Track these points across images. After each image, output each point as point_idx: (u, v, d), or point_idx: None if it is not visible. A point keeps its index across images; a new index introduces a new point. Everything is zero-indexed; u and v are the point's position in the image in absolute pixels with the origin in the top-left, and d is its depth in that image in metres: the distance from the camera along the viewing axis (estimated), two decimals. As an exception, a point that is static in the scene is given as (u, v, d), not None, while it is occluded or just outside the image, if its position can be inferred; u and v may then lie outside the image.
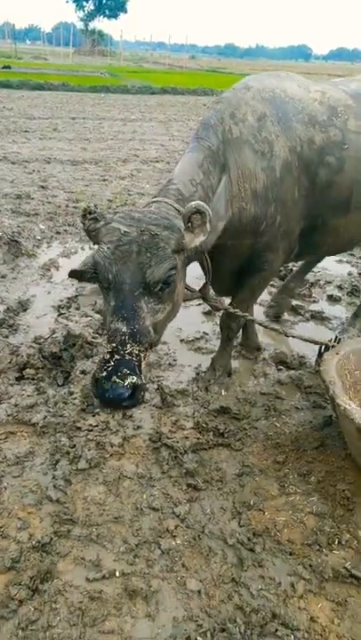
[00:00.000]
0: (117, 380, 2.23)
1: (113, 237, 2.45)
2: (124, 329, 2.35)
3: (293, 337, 3.70)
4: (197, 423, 3.40)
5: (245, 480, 2.98)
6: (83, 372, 3.80)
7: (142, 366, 2.35)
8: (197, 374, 4.01)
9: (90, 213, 2.56)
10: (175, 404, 3.65)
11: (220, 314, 3.98)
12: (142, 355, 2.37)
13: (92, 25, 74.99)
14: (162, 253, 2.43)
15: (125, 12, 79.49)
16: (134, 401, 2.27)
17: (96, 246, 2.55)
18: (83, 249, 6.39)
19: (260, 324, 3.68)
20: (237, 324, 3.80)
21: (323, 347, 3.64)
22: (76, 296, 5.04)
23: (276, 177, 3.17)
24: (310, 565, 2.48)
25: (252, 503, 2.82)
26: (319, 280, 5.88)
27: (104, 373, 2.26)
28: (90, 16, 75.49)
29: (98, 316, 4.66)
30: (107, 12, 77.13)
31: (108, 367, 2.27)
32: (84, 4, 74.60)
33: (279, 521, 2.72)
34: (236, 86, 3.33)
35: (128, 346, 2.33)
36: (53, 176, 9.30)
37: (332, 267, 6.31)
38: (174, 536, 2.59)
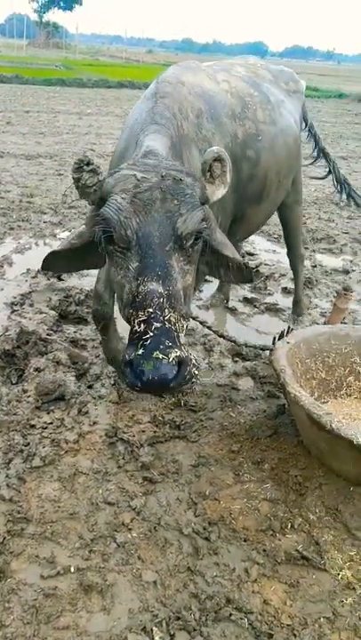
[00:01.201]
0: (160, 356, 1.81)
1: (128, 185, 2.07)
2: (161, 290, 1.95)
3: (226, 339, 3.79)
4: (154, 417, 3.41)
5: (201, 470, 3.01)
6: (37, 370, 3.74)
7: (182, 340, 1.97)
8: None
9: (87, 164, 2.15)
10: (132, 398, 3.65)
11: None
12: (179, 326, 1.96)
13: (46, 17, 73.42)
14: (191, 200, 2.09)
15: (80, 4, 78.23)
16: (181, 380, 1.87)
17: (89, 208, 2.21)
18: (37, 244, 6.28)
19: (201, 323, 3.73)
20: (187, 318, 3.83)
21: (277, 337, 3.72)
22: (30, 292, 4.95)
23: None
24: (264, 550, 2.53)
25: (207, 493, 2.85)
26: (274, 273, 5.98)
27: (140, 350, 1.82)
28: (44, 8, 73.88)
29: (52, 312, 4.59)
30: (61, 3, 75.67)
31: (145, 341, 1.84)
32: (38, -6, 73.01)
33: (234, 509, 2.77)
34: (168, 79, 2.97)
35: (167, 311, 1.92)
36: (6, 170, 9.08)
37: (287, 260, 6.38)
38: (130, 529, 2.60)
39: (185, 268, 2.13)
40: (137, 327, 1.90)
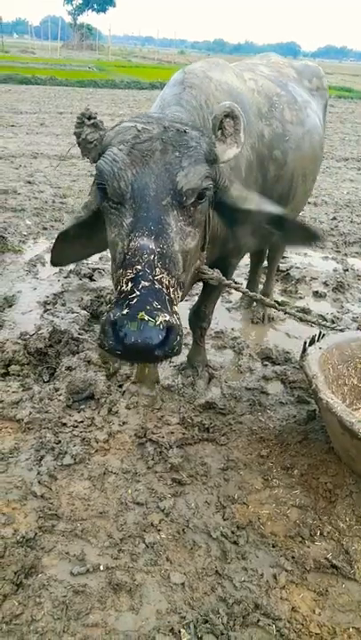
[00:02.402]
0: (146, 317, 1.64)
1: (127, 136, 1.94)
2: (152, 245, 1.78)
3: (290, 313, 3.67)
4: (183, 419, 3.42)
5: (230, 474, 3.00)
6: (68, 369, 3.80)
7: (175, 308, 1.79)
8: (182, 370, 4.02)
9: (89, 118, 2.02)
10: (162, 399, 3.67)
11: (188, 315, 3.87)
12: (172, 292, 1.79)
13: (80, 19, 74.50)
14: (194, 153, 1.93)
15: (114, 6, 79.07)
16: (169, 348, 1.68)
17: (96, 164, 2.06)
18: (69, 245, 6.36)
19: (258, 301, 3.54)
20: (208, 322, 3.83)
21: (307, 342, 3.68)
22: (62, 292, 5.03)
23: (242, 177, 2.90)
24: (293, 557, 2.52)
25: (236, 497, 2.85)
26: (305, 277, 5.92)
27: (125, 310, 1.66)
28: (78, 10, 74.96)
29: (84, 312, 4.66)
30: (95, 5, 76.62)
31: (132, 300, 1.67)
32: (73, -3, 74.10)
33: (263, 514, 2.75)
34: (195, 72, 2.82)
35: (157, 270, 1.76)
36: (40, 171, 9.24)
37: (318, 263, 6.36)
38: (159, 530, 2.61)
39: (185, 229, 1.95)
40: (124, 286, 1.73)
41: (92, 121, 2.02)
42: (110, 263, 2.18)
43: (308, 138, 3.59)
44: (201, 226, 2.07)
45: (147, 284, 1.71)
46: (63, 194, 8.05)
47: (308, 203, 8.60)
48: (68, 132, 13.25)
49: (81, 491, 2.81)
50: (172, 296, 1.79)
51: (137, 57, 57.04)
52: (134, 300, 1.68)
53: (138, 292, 1.69)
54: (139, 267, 1.74)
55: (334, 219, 7.95)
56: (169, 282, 1.78)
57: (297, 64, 4.23)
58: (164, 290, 1.75)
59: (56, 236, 2.25)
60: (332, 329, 3.83)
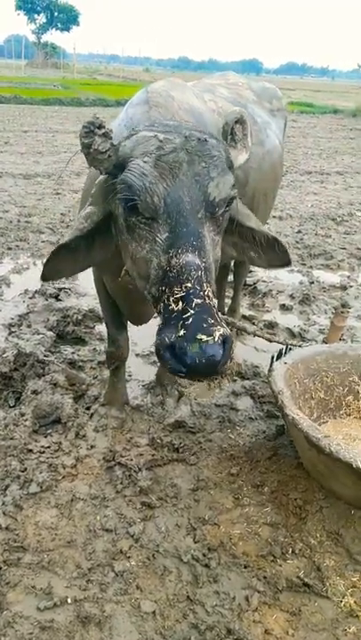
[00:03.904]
0: (205, 338, 1.64)
1: (149, 147, 1.89)
2: (197, 261, 1.77)
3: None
4: (152, 439, 3.38)
5: (200, 495, 2.97)
6: (34, 392, 3.72)
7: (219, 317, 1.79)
8: (151, 389, 3.99)
9: (99, 127, 1.94)
10: (132, 420, 3.63)
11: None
12: (215, 303, 1.79)
13: (44, 37, 74.60)
14: (219, 163, 1.92)
15: (78, 24, 79.50)
16: (227, 359, 1.71)
17: (102, 177, 2.03)
18: (35, 264, 6.29)
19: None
20: None
21: (274, 356, 3.70)
22: (28, 313, 4.94)
23: None
24: (265, 577, 2.49)
25: (207, 518, 2.81)
26: (272, 290, 5.98)
27: (183, 331, 1.65)
28: (42, 29, 75.06)
29: (50, 333, 4.59)
30: (59, 24, 76.89)
31: (186, 320, 1.66)
32: (36, 16, 74.19)
33: (234, 534, 2.73)
34: (158, 91, 2.81)
35: (205, 286, 1.74)
36: (4, 190, 9.14)
37: (284, 276, 6.44)
38: (128, 557, 2.56)
39: (215, 239, 1.96)
40: (173, 305, 1.71)
41: (102, 130, 1.95)
42: (132, 274, 2.17)
43: (269, 158, 3.65)
44: (222, 230, 2.06)
45: (199, 301, 1.70)
46: (28, 213, 7.97)
47: (273, 217, 8.74)
48: (32, 150, 13.20)
49: (48, 520, 2.73)
50: (216, 306, 1.79)
51: (102, 75, 57.42)
52: (190, 320, 1.66)
53: (192, 311, 1.68)
54: (189, 284, 1.72)
55: (299, 232, 8.09)
56: (213, 294, 1.79)
57: (255, 86, 4.29)
58: (212, 303, 1.75)
59: (53, 249, 2.18)
60: (300, 346, 3.86)
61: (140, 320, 3.42)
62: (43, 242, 6.93)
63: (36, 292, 5.38)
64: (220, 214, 1.96)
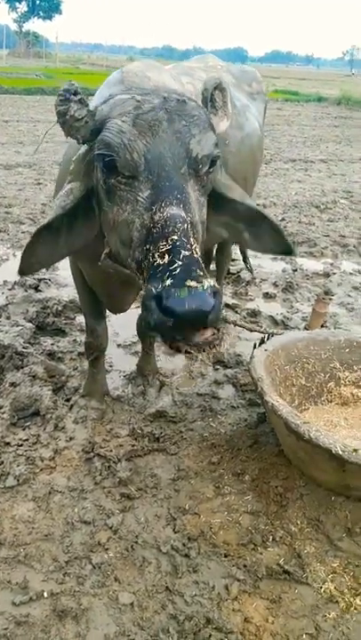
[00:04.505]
0: (194, 284, 1.57)
1: (127, 107, 1.85)
2: (183, 214, 1.71)
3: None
4: (133, 430, 3.34)
5: (181, 484, 2.93)
6: (12, 385, 3.64)
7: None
8: (133, 379, 3.94)
9: (75, 94, 1.89)
10: (112, 411, 3.58)
11: (137, 323, 3.81)
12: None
13: (26, 27, 73.33)
14: (200, 121, 1.88)
15: (60, 13, 78.28)
16: (218, 312, 1.63)
17: (80, 147, 1.97)
18: (15, 255, 6.17)
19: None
20: None
21: (256, 344, 3.67)
22: (6, 305, 4.85)
23: None
24: (245, 565, 2.47)
25: (187, 507, 2.78)
26: (255, 278, 5.94)
27: (169, 281, 1.57)
28: (23, 17, 73.82)
29: (29, 324, 4.51)
30: (41, 13, 75.63)
31: (173, 271, 1.59)
32: (17, 5, 72.88)
33: (215, 523, 2.70)
34: (134, 71, 2.64)
35: (192, 240, 1.68)
36: (-16, 181, 8.97)
37: (268, 264, 6.40)
38: (106, 549, 2.51)
39: (200, 199, 1.90)
40: (159, 260, 1.63)
41: (78, 97, 1.89)
42: (114, 247, 2.07)
43: (248, 141, 3.58)
44: (207, 194, 1.99)
45: (187, 253, 1.63)
46: (8, 203, 7.82)
47: (257, 204, 8.66)
48: (14, 140, 12.99)
49: (25, 513, 2.68)
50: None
51: (85, 64, 56.58)
52: (177, 270, 1.59)
53: (180, 262, 1.61)
54: (175, 237, 1.65)
55: (283, 219, 8.04)
56: (199, 252, 1.72)
57: (234, 69, 4.21)
58: (200, 259, 1.68)
59: (33, 233, 2.07)
60: (281, 334, 3.83)
61: (119, 308, 3.36)
62: (23, 232, 6.80)
63: (15, 283, 5.29)
64: (204, 173, 1.89)
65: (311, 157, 13.45)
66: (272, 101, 27.83)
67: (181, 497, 2.85)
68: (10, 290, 5.18)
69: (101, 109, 1.94)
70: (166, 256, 1.64)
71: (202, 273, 1.63)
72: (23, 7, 73.47)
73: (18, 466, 2.96)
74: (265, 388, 2.76)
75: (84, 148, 2.07)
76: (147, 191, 1.79)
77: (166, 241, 1.66)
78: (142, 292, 1.71)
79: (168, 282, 1.59)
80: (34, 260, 2.12)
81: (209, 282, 1.61)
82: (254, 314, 5.15)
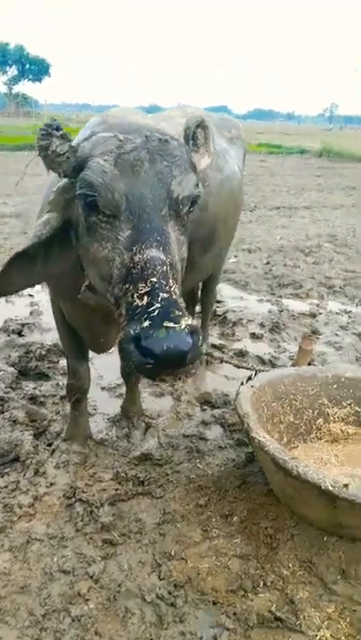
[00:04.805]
0: (171, 325, 1.59)
1: (109, 146, 1.87)
2: (162, 257, 1.74)
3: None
4: (116, 473, 3.22)
5: (166, 528, 2.80)
6: (-8, 429, 3.54)
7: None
8: (117, 422, 3.84)
9: (57, 129, 1.90)
10: (95, 455, 3.46)
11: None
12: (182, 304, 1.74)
13: (16, 88, 76.51)
14: (181, 162, 1.91)
15: (49, 75, 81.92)
16: (195, 351, 1.63)
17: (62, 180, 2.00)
18: (-1, 302, 6.16)
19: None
20: None
21: (243, 383, 3.62)
22: (-11, 349, 4.78)
23: None
24: (235, 613, 2.32)
25: (173, 553, 2.64)
26: (241, 319, 5.94)
27: (147, 322, 1.60)
28: (13, 80, 77.10)
29: (11, 369, 4.43)
30: (30, 76, 79.12)
31: (152, 312, 1.62)
32: (7, 69, 76.28)
33: (202, 568, 2.55)
34: (115, 115, 2.74)
35: (171, 281, 1.71)
36: (-29, 231, 9.07)
37: (254, 306, 6.44)
38: (87, 600, 2.36)
39: (180, 238, 1.93)
40: (138, 301, 1.66)
41: (60, 132, 1.91)
42: (92, 280, 2.09)
43: (228, 183, 3.67)
44: (187, 233, 2.04)
45: (165, 295, 1.66)
46: (-6, 252, 7.88)
47: (243, 249, 8.85)
48: (1, 192, 13.23)
49: (0, 565, 2.52)
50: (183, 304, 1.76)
51: (74, 122, 58.92)
52: (155, 312, 1.62)
53: (158, 304, 1.63)
54: (154, 279, 1.68)
55: (268, 263, 8.17)
56: (178, 292, 1.76)
57: (215, 117, 4.38)
58: (180, 300, 1.72)
59: (7, 259, 2.07)
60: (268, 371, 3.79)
61: (101, 347, 3.31)
62: (9, 279, 6.81)
63: (-3, 328, 5.24)
64: (185, 213, 1.93)
65: (295, 205, 13.84)
66: (256, 154, 28.99)
67: (167, 542, 2.71)
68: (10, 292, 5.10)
69: (83, 146, 1.97)
70: (145, 298, 1.66)
71: (180, 313, 1.65)
72: (13, 71, 76.86)
73: (-5, 514, 2.82)
74: (251, 424, 2.69)
75: (63, 180, 2.09)
76: (127, 231, 1.82)
77: (145, 283, 1.68)
78: (120, 334, 1.71)
79: (146, 323, 1.61)
80: (7, 284, 2.12)
81: (186, 321, 1.63)
82: (242, 354, 5.12)
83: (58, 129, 1.91)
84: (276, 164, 25.67)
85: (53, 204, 2.10)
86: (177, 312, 1.64)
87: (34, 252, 2.08)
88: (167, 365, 1.62)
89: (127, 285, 1.76)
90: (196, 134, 2.10)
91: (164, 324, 1.59)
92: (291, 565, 2.52)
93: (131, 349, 1.61)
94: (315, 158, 29.91)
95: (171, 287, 1.70)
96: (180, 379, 1.74)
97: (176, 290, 1.73)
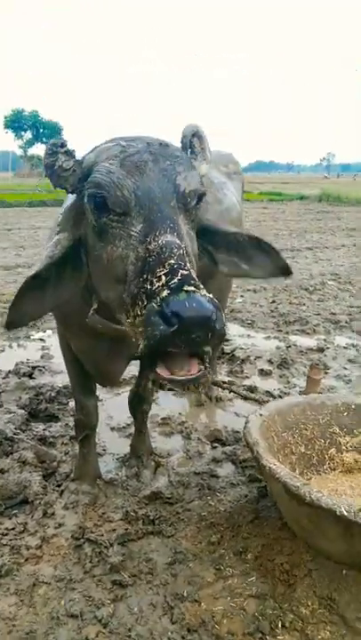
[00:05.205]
0: (193, 289, 1.56)
1: (114, 152, 1.93)
2: (178, 241, 1.74)
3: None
4: (126, 513, 3.12)
5: (178, 568, 2.68)
6: (1, 471, 3.48)
7: None
8: (126, 461, 3.76)
9: (62, 146, 1.97)
10: (105, 495, 3.37)
11: (128, 399, 3.77)
12: None
13: (30, 151, 79.93)
14: (183, 161, 1.97)
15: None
16: (221, 324, 1.59)
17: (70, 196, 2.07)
18: (10, 347, 6.22)
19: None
20: (149, 403, 3.69)
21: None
22: (0, 393, 4.78)
23: None
24: (252, 658, 2.18)
25: (185, 594, 2.51)
26: (250, 356, 5.90)
27: (166, 291, 1.57)
28: (28, 144, 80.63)
29: (21, 411, 4.40)
30: (44, 139, 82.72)
31: (173, 284, 1.58)
32: (23, 133, 79.96)
33: (217, 611, 2.42)
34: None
35: (188, 263, 1.70)
36: (-17, 281, 9.26)
37: (261, 343, 6.41)
38: (95, 645, 2.23)
39: (190, 233, 1.95)
40: (157, 283, 1.62)
41: (65, 148, 1.97)
42: (105, 290, 2.06)
43: (227, 215, 3.75)
44: (195, 229, 2.05)
45: (185, 272, 1.63)
46: (7, 299, 7.98)
47: (248, 289, 8.91)
48: (15, 245, 13.62)
49: (5, 609, 2.42)
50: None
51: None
52: (175, 281, 1.58)
53: (179, 277, 1.60)
54: (172, 261, 1.66)
55: (273, 302, 8.20)
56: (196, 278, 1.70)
57: (212, 152, 4.54)
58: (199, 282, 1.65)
59: (20, 287, 2.06)
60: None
61: (109, 380, 3.30)
62: (18, 325, 6.89)
63: (9, 371, 5.25)
64: (193, 207, 1.95)
65: (297, 246, 14.03)
66: (257, 202, 29.72)
67: (179, 582, 2.59)
68: (3, 378, 5.13)
69: (88, 158, 2.04)
70: (163, 277, 1.63)
71: (201, 286, 1.62)
72: (28, 135, 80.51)
73: (1, 556, 2.73)
74: (261, 451, 2.62)
75: (71, 199, 2.15)
76: (139, 225, 1.83)
77: (163, 266, 1.67)
78: (137, 348, 1.68)
79: (165, 292, 1.57)
80: (22, 312, 2.11)
81: (207, 293, 1.61)
82: (251, 390, 5.03)
83: (63, 145, 1.98)
84: (278, 210, 26.25)
85: (63, 224, 2.16)
86: (197, 282, 1.62)
87: (46, 276, 2.09)
88: (193, 327, 1.53)
89: (145, 275, 1.72)
90: (192, 143, 2.17)
91: (184, 288, 1.56)
92: (310, 604, 2.38)
93: (154, 320, 1.55)
94: (314, 203, 30.57)
95: (189, 268, 1.67)
96: (188, 388, 1.70)
97: (195, 275, 1.69)
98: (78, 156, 2.08)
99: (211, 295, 1.61)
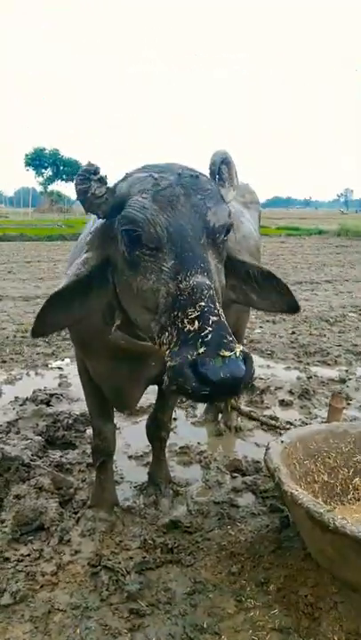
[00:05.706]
0: (227, 353, 1.64)
1: (146, 185, 1.98)
2: (208, 282, 1.81)
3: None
4: (144, 541, 3.05)
5: (197, 599, 2.60)
6: (17, 497, 3.43)
7: None
8: (144, 489, 3.70)
9: (95, 173, 2.01)
10: (122, 523, 3.31)
11: (145, 426, 3.74)
12: None
13: (50, 187, 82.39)
14: (213, 195, 2.03)
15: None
16: (249, 376, 1.70)
17: (95, 219, 2.10)
18: (28, 375, 6.25)
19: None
20: (167, 431, 3.65)
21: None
22: (17, 419, 4.77)
23: None
24: None
25: (205, 625, 2.42)
26: (270, 387, 5.84)
27: (203, 348, 1.65)
28: (48, 180, 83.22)
29: (38, 437, 4.38)
30: (64, 176, 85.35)
31: (205, 337, 1.67)
32: (43, 171, 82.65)
33: (238, 644, 2.32)
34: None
35: (218, 305, 1.78)
36: (4, 311, 9.42)
37: (281, 373, 6.34)
38: None
39: (218, 266, 2.02)
40: (189, 326, 1.71)
41: (97, 176, 2.02)
42: (134, 314, 2.12)
43: (245, 243, 3.79)
44: (223, 262, 2.12)
45: (215, 318, 1.72)
46: (25, 329, 8.08)
47: (267, 321, 8.88)
48: (34, 277, 13.87)
49: (20, 636, 2.36)
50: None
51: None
52: (209, 337, 1.67)
53: (210, 328, 1.69)
54: (202, 303, 1.74)
55: (293, 333, 8.15)
56: (223, 316, 1.81)
57: None
58: (226, 323, 1.76)
59: (48, 298, 2.12)
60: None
61: (126, 404, 3.28)
62: (38, 354, 6.96)
63: (26, 399, 5.26)
64: (221, 241, 2.02)
65: (317, 279, 14.02)
66: (275, 236, 29.96)
67: (199, 613, 2.50)
68: (21, 405, 5.14)
69: (121, 186, 2.08)
70: (196, 322, 1.71)
71: (231, 338, 1.70)
72: (48, 172, 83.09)
73: (16, 582, 2.68)
74: (283, 477, 2.56)
75: (100, 221, 2.20)
76: (171, 261, 1.89)
77: (195, 307, 1.74)
78: (167, 360, 1.75)
79: (202, 349, 1.65)
80: (47, 323, 2.15)
81: (240, 348, 1.69)
82: (272, 419, 4.96)
83: (95, 172, 2.02)
84: (296, 244, 26.40)
85: (91, 244, 2.20)
86: (229, 337, 1.69)
87: (71, 291, 2.13)
88: (222, 392, 1.66)
89: (175, 312, 1.81)
90: (221, 170, 2.23)
91: (220, 353, 1.64)
92: (336, 638, 2.27)
93: (189, 374, 1.64)
94: (333, 238, 30.70)
95: (219, 310, 1.76)
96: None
97: (222, 314, 1.78)
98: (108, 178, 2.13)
99: (242, 348, 1.70)
